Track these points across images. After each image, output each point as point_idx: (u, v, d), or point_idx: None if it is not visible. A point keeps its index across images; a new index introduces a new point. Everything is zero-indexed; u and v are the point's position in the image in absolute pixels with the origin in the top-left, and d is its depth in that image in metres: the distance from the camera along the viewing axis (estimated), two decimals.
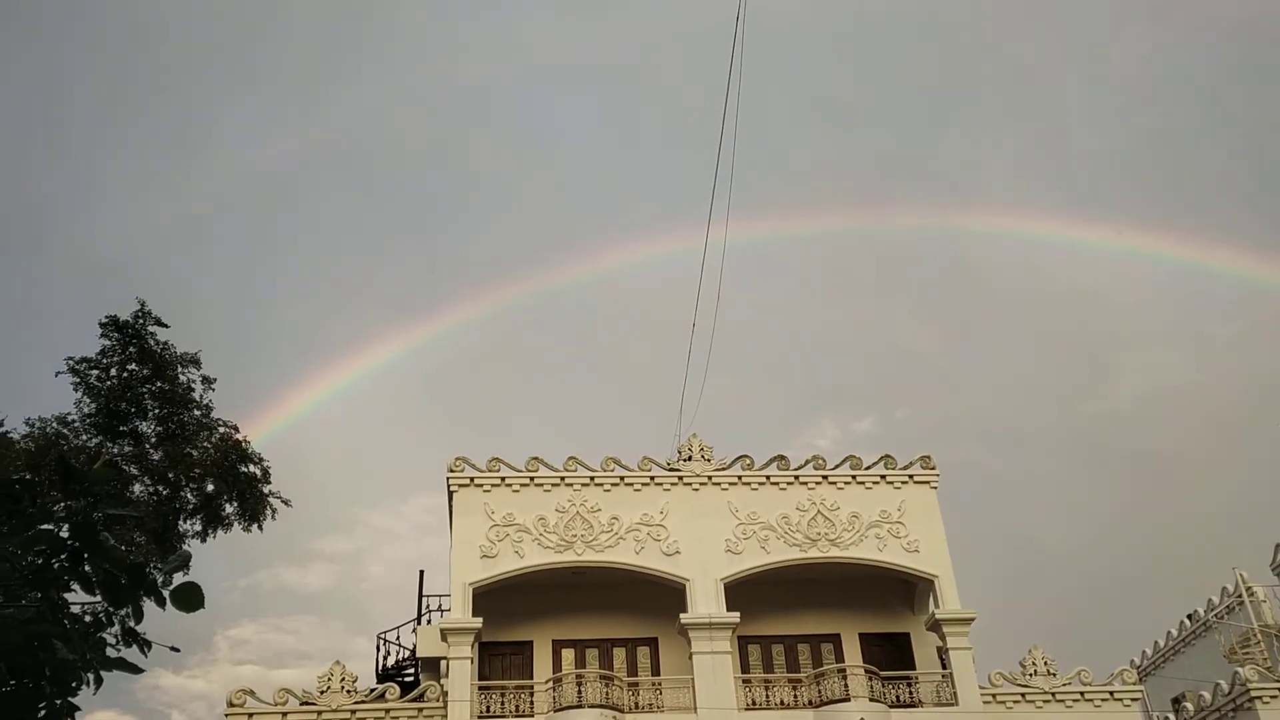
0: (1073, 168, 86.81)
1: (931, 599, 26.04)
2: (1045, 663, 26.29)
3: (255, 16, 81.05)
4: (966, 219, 76.22)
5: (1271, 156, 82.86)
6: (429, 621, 27.81)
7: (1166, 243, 70.58)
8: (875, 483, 27.06)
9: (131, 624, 4.28)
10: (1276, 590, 31.61)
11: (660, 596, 25.63)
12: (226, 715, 23.62)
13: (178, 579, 4.20)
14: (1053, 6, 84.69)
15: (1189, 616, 34.23)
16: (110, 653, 4.28)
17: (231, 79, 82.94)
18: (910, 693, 24.97)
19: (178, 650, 4.49)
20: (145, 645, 4.33)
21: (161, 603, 4.19)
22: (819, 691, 24.77)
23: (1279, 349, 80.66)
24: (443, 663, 24.57)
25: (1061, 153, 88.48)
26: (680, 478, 26.67)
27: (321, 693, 24.15)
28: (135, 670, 4.35)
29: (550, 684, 24.57)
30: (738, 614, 24.77)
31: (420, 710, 24.09)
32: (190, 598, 4.16)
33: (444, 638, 24.28)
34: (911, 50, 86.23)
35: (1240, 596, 31.53)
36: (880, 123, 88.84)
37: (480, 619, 24.21)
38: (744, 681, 25.15)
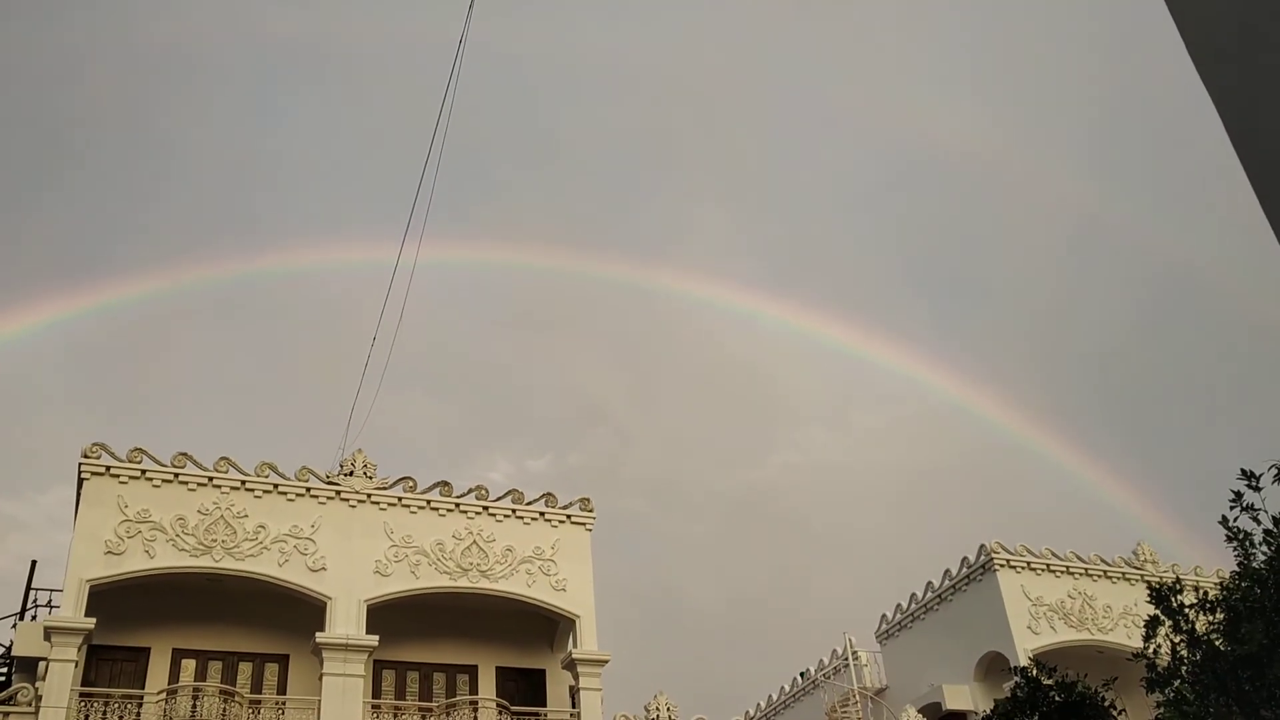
0: (762, 249, 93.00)
1: (571, 638, 26.69)
2: (668, 708, 27.53)
3: None
4: (663, 278, 79.62)
5: (927, 258, 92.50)
6: (34, 617, 25.31)
7: (833, 329, 76.98)
8: (534, 519, 27.50)
9: None
10: (878, 656, 34.86)
11: (299, 613, 24.72)
12: None
13: None
14: (770, 99, 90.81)
15: (801, 674, 37.00)
16: None
17: None
18: None
19: None
20: None
21: None
22: None
23: (913, 443, 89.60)
24: (41, 664, 22.42)
25: (754, 233, 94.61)
26: (338, 492, 25.95)
27: None
28: None
29: (163, 695, 23.01)
30: (376, 637, 24.30)
31: (6, 715, 21.83)
32: None
33: (47, 636, 22.20)
34: (634, 103, 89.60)
35: (847, 659, 34.51)
36: (596, 170, 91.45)
37: (93, 619, 22.32)
38: (373, 707, 24.65)
